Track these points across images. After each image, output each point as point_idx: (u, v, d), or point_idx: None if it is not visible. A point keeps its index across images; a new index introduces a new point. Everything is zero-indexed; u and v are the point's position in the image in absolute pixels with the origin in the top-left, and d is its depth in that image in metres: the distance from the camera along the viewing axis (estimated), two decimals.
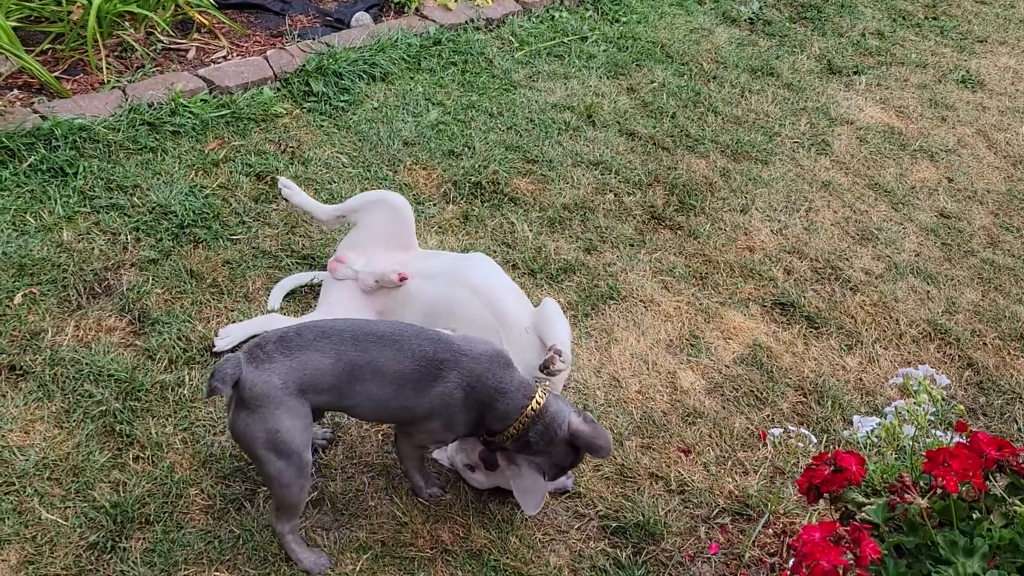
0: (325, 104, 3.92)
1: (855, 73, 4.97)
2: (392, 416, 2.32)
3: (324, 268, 3.10)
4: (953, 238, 3.89)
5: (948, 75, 5.12)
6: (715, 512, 2.63)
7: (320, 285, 3.04)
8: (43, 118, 3.46)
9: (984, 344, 3.38)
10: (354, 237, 2.95)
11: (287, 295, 3.05)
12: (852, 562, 1.73)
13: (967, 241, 3.89)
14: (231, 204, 3.35)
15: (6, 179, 3.23)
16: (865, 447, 2.47)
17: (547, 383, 2.44)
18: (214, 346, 2.80)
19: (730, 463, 2.77)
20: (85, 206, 3.22)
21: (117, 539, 2.32)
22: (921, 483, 1.91)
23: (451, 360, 2.25)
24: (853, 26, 5.43)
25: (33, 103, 3.58)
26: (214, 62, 4.05)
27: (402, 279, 2.79)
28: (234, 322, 2.90)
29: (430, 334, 2.29)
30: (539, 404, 2.31)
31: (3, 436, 2.50)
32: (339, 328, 2.22)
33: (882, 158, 4.33)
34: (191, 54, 4.09)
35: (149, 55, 3.98)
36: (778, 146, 4.25)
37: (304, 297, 3.06)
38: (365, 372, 2.19)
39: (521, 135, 3.98)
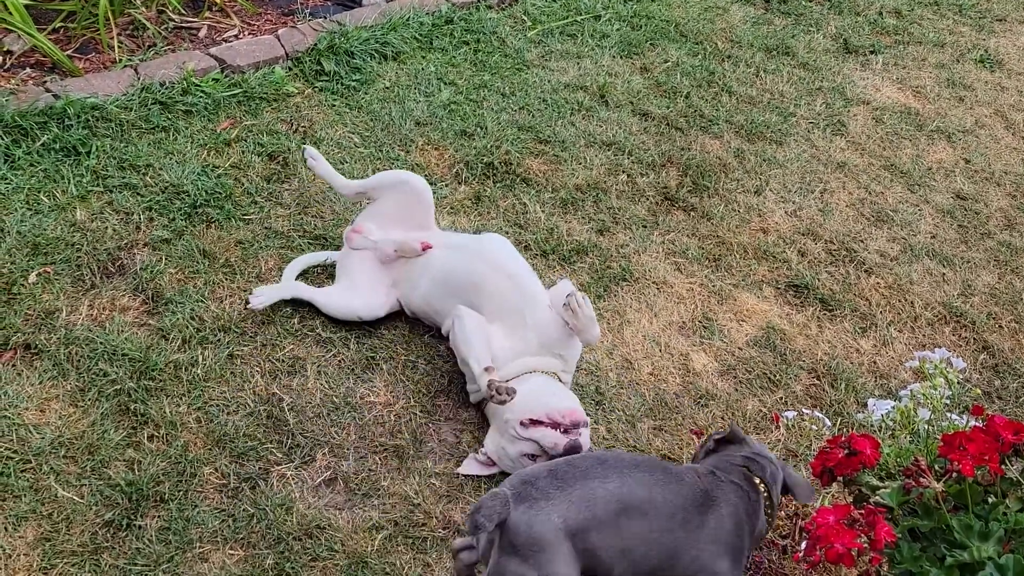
0: (337, 83, 3.90)
1: (872, 52, 4.91)
2: (655, 563, 2.07)
3: (336, 248, 3.11)
4: (969, 220, 3.85)
5: (966, 54, 5.05)
6: None
7: (333, 265, 3.05)
8: (55, 97, 3.45)
9: (1000, 327, 3.35)
10: (373, 211, 2.99)
11: (299, 275, 3.05)
12: (867, 545, 1.73)
13: (983, 223, 3.85)
14: (243, 184, 3.35)
15: (19, 158, 3.24)
16: (879, 430, 2.47)
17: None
18: (248, 303, 2.83)
19: None
20: (98, 185, 3.22)
21: (132, 517, 2.34)
22: (936, 467, 1.90)
23: (712, 480, 2.12)
24: (870, 4, 5.35)
25: (45, 82, 3.58)
26: (226, 41, 4.03)
27: (425, 248, 2.82)
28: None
29: (675, 468, 2.15)
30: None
31: (19, 414, 2.51)
32: (617, 454, 2.12)
33: (898, 139, 4.28)
34: (203, 33, 4.08)
35: (161, 34, 3.97)
36: (793, 127, 4.21)
37: (317, 277, 3.06)
38: (642, 506, 2.01)
39: (533, 115, 3.95)
